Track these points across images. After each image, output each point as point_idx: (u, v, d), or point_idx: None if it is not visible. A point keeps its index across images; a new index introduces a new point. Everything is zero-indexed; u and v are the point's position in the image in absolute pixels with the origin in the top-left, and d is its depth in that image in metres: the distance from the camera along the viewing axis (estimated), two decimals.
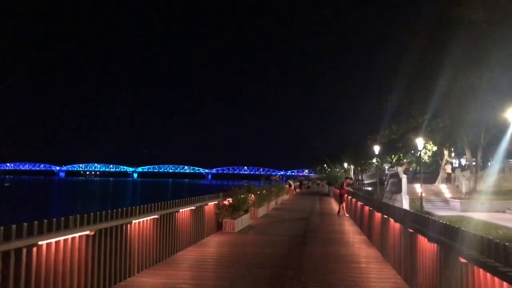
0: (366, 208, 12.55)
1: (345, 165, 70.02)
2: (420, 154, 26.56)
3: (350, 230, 14.40)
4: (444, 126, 26.52)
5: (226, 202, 13.49)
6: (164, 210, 8.24)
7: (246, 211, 16.97)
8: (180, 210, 9.27)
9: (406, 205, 29.21)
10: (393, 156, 67.49)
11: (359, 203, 14.89)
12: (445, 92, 23.99)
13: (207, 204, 11.41)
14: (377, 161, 44.03)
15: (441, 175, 37.04)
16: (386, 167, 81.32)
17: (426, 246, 5.82)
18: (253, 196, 18.32)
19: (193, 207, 10.16)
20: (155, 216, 7.89)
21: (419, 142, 25.96)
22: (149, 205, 7.68)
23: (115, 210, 6.47)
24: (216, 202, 12.45)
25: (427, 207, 27.97)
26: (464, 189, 31.24)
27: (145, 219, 7.49)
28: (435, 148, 37.68)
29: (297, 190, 50.06)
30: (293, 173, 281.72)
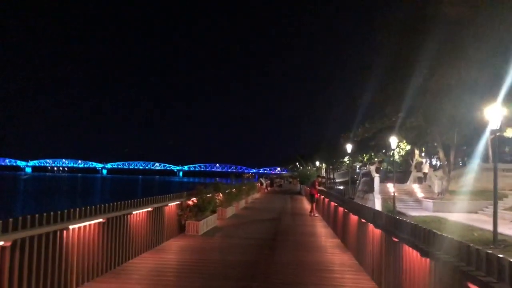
0: (340, 209, 11.72)
1: (317, 163, 69.75)
2: (393, 153, 26.07)
3: (322, 232, 13.56)
4: (418, 125, 26.10)
5: (190, 202, 12.44)
6: (112, 213, 7.14)
7: (214, 212, 15.97)
8: (134, 213, 8.18)
9: (378, 204, 28.77)
10: (364, 155, 67.68)
11: (333, 204, 14.08)
12: (420, 90, 23.51)
13: (167, 205, 10.33)
14: (349, 160, 43.60)
15: (413, 174, 36.88)
16: (357, 166, 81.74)
17: (413, 255, 4.97)
18: (221, 195, 17.33)
19: (149, 209, 9.06)
20: (100, 220, 6.78)
21: (393, 140, 25.46)
22: (93, 207, 6.58)
23: (45, 214, 5.36)
24: (178, 202, 11.37)
25: (399, 207, 27.58)
26: (436, 189, 31.05)
27: (87, 223, 6.39)
28: (408, 147, 37.48)
29: (269, 188, 49.32)
30: (265, 171, 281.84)
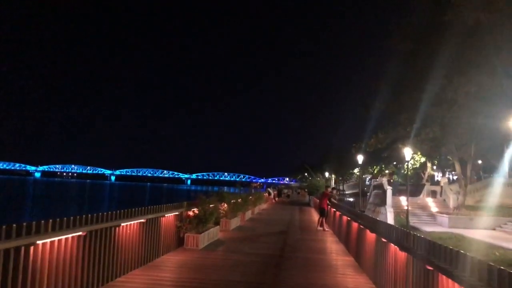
0: (355, 224, 10.68)
1: (327, 174, 68.49)
2: (407, 165, 24.93)
3: (333, 248, 12.50)
4: (433, 137, 24.95)
5: (190, 213, 11.48)
6: (94, 225, 6.20)
7: (217, 223, 15.02)
8: (122, 224, 7.24)
9: (390, 218, 27.58)
10: (374, 167, 66.35)
11: (345, 218, 13.03)
12: (436, 100, 22.45)
13: (163, 216, 9.38)
14: (360, 171, 42.40)
15: (427, 187, 35.60)
16: (367, 178, 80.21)
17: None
18: (225, 205, 16.37)
19: (142, 220, 8.12)
20: (80, 233, 5.85)
21: (407, 152, 24.32)
22: (71, 218, 5.65)
23: (4, 227, 4.45)
24: (177, 213, 10.41)
25: (412, 221, 26.38)
26: (451, 203, 29.77)
27: (62, 237, 5.46)
28: (423, 159, 36.20)
29: (277, 199, 48.19)
30: (273, 181, 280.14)
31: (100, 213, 6.49)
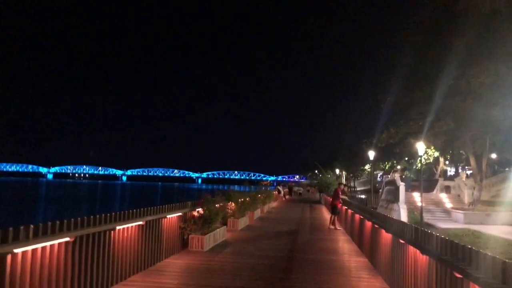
0: (368, 224, 10.08)
1: (337, 171, 67.66)
2: (420, 160, 24.13)
3: (345, 248, 11.92)
4: (447, 130, 24.15)
5: (195, 213, 10.97)
6: (83, 229, 5.69)
7: (225, 223, 14.54)
8: (118, 228, 6.74)
9: (404, 215, 26.88)
10: (386, 163, 65.52)
11: (358, 216, 12.43)
12: (450, 92, 21.68)
13: (165, 217, 8.87)
14: (371, 167, 41.59)
15: (440, 183, 34.79)
16: (378, 174, 79.22)
17: None
18: (233, 204, 15.85)
19: (141, 222, 7.61)
20: (66, 239, 5.35)
21: (420, 146, 23.58)
22: (57, 222, 5.16)
23: None
24: (180, 213, 9.90)
25: (426, 218, 25.66)
26: (466, 199, 28.96)
27: (46, 244, 4.96)
28: (436, 154, 35.34)
29: (287, 197, 47.57)
30: (284, 179, 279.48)
31: (92, 216, 6.00)
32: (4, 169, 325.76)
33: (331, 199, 19.55)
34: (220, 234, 11.88)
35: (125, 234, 7.08)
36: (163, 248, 8.87)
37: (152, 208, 8.10)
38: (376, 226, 8.69)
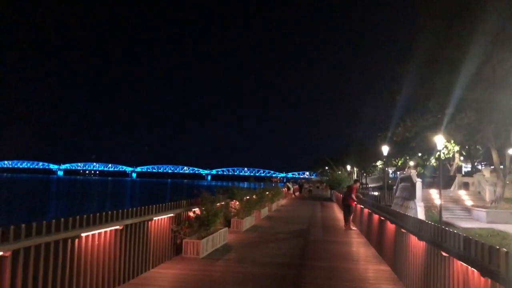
0: (391, 227, 8.65)
1: (348, 167, 65.99)
2: (439, 154, 22.52)
3: (362, 253, 10.49)
4: (468, 123, 22.54)
5: (191, 214, 9.63)
6: (29, 240, 4.36)
7: (228, 223, 13.25)
8: (84, 235, 5.40)
9: (421, 213, 25.33)
10: (398, 159, 63.71)
11: (376, 217, 11.00)
12: (471, 81, 20.07)
13: (151, 220, 7.53)
14: (384, 163, 39.96)
15: (458, 179, 33.12)
16: (390, 171, 77.31)
17: None
18: (237, 203, 14.50)
19: (117, 227, 6.27)
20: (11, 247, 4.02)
21: (439, 140, 21.94)
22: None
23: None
24: (172, 214, 8.55)
25: (445, 216, 24.06)
26: (488, 196, 27.31)
27: None
28: (457, 148, 33.60)
29: (297, 194, 46.13)
30: (294, 175, 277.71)
31: (45, 222, 4.67)
32: (15, 166, 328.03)
33: (342, 196, 18.17)
34: (220, 237, 10.52)
35: (96, 242, 5.75)
36: (150, 256, 7.54)
37: (133, 209, 6.76)
38: (402, 230, 7.26)
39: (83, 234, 5.36)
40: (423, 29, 22.21)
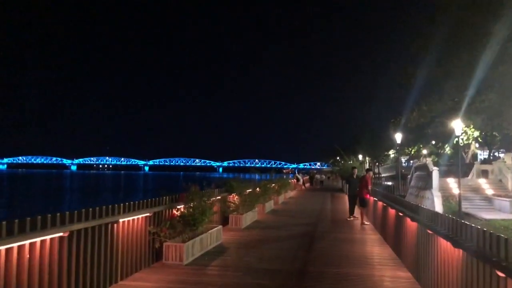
0: (412, 225, 7.17)
1: (360, 157, 64.13)
2: (458, 140, 20.88)
3: (376, 253, 9.03)
4: (489, 105, 20.80)
5: (176, 212, 8.25)
6: None
7: (226, 220, 11.92)
8: (2, 249, 4.03)
9: (438, 203, 23.70)
10: (411, 148, 61.72)
11: (393, 211, 9.51)
12: (495, 59, 18.34)
13: (116, 222, 6.13)
14: (397, 151, 38.24)
15: (476, 167, 31.35)
16: (403, 160, 75.26)
17: None
18: (236, 197, 13.11)
19: (61, 234, 4.89)
20: None
21: (457, 125, 20.26)
22: None
23: None
24: (148, 214, 7.16)
25: (465, 207, 22.35)
26: (510, 184, 25.58)
27: None
28: (476, 134, 31.74)
29: (307, 185, 44.62)
30: (305, 166, 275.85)
31: None
32: (29, 161, 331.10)
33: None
34: (212, 237, 9.12)
35: (31, 255, 4.38)
36: (118, 265, 6.17)
37: (84, 211, 5.36)
38: (429, 231, 5.78)
39: (2, 248, 3.98)
40: (439, 8, 20.48)
